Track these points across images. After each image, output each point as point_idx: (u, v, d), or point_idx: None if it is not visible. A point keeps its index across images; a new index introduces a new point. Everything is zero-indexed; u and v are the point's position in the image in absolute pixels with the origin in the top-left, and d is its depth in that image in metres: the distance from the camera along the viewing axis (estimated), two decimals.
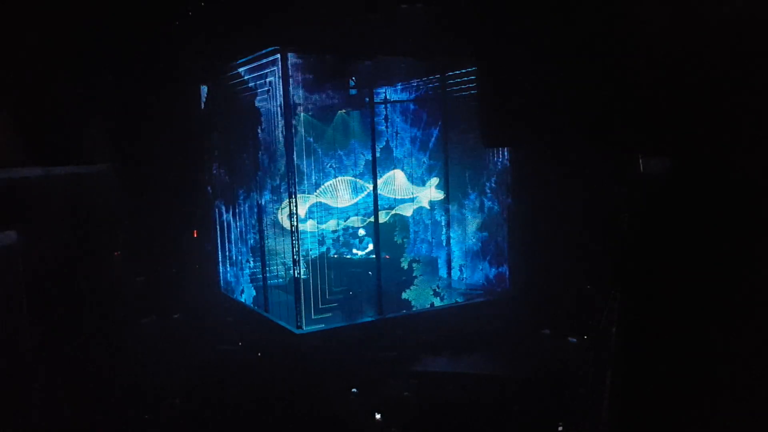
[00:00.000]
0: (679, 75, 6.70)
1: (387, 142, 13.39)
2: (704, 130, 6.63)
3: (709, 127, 6.53)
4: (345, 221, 13.60)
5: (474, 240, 13.25)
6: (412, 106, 13.44)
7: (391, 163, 13.63)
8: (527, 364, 10.14)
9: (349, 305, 11.87)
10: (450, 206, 12.89)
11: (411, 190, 13.72)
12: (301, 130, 12.05)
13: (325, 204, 13.30)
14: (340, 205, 13.42)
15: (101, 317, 12.38)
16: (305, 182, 12.30)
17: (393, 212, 13.59)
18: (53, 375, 9.84)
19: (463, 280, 13.34)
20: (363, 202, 13.60)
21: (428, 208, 13.70)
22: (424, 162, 13.72)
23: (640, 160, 7.38)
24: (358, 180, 13.36)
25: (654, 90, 7.36)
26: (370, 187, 13.09)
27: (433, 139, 13.52)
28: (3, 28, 11.76)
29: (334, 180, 13.33)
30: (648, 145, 7.42)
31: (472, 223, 13.25)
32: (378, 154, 12.45)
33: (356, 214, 13.72)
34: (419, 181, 13.80)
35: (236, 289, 14.15)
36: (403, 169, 13.73)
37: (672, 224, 7.49)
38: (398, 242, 13.40)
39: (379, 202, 12.59)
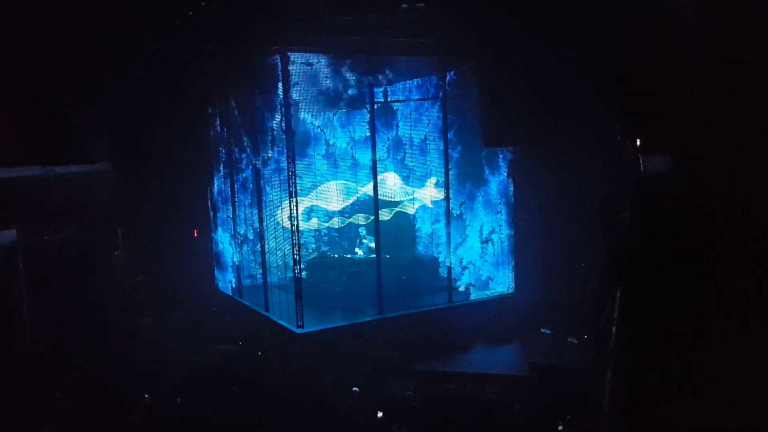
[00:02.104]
0: (679, 74, 6.72)
1: (386, 94, 13.00)
2: (704, 129, 6.65)
3: (709, 127, 6.55)
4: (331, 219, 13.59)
5: (475, 240, 13.22)
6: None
7: (393, 117, 13.20)
8: (527, 363, 10.14)
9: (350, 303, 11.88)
10: (450, 206, 12.84)
11: (406, 191, 13.59)
12: (301, 129, 12.06)
13: (319, 206, 13.34)
14: (333, 208, 13.38)
15: (102, 317, 12.38)
16: (302, 184, 12.29)
17: (396, 210, 13.55)
18: (53, 374, 9.84)
19: (464, 279, 13.31)
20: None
21: (430, 207, 13.68)
22: (430, 122, 13.19)
23: (641, 160, 7.40)
24: (352, 183, 13.33)
25: (654, 89, 7.38)
26: (362, 189, 13.05)
27: (438, 104, 13.00)
28: (3, 27, 11.76)
29: (327, 183, 13.32)
30: (648, 144, 7.43)
31: (473, 223, 13.22)
32: (379, 105, 12.23)
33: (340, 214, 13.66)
34: (424, 145, 13.44)
35: (234, 286, 14.17)
36: (398, 167, 13.64)
37: (672, 223, 7.50)
38: (425, 233, 13.57)
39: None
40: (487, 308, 12.48)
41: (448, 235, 12.75)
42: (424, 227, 14.04)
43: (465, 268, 13.23)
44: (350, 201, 13.52)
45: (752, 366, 6.87)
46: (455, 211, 13.23)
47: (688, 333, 7.55)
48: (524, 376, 9.92)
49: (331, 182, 13.53)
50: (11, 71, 12.30)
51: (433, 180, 13.46)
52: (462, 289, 13.00)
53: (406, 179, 13.82)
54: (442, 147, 12.83)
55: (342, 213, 13.92)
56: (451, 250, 12.94)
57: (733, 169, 6.78)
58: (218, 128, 14.24)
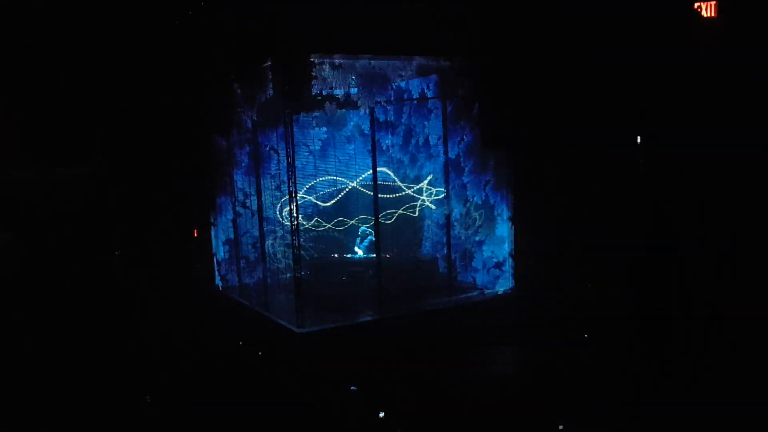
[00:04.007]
0: (675, 74, 6.74)
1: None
2: (699, 129, 6.68)
3: (705, 127, 6.57)
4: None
5: (475, 239, 13.21)
6: None
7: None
8: (527, 364, 10.14)
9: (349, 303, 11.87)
10: (451, 205, 12.81)
11: (401, 188, 13.41)
12: (300, 130, 12.07)
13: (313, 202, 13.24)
14: (324, 203, 13.26)
15: (101, 317, 12.40)
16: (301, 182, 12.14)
17: (399, 212, 13.49)
18: (53, 375, 9.85)
19: (464, 280, 13.31)
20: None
21: (431, 207, 13.64)
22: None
23: (640, 161, 7.44)
24: (346, 180, 13.22)
25: (650, 89, 7.41)
26: (351, 184, 12.95)
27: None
28: (4, 28, 11.78)
29: (319, 179, 13.24)
30: (647, 145, 7.47)
31: (473, 223, 13.19)
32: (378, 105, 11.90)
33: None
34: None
35: (234, 286, 14.18)
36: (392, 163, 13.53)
37: (671, 223, 7.54)
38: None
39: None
40: (487, 308, 12.47)
41: (448, 230, 12.72)
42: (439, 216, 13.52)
43: (501, 266, 12.74)
44: (341, 195, 13.34)
45: (752, 364, 6.90)
46: (477, 199, 12.58)
47: (687, 332, 7.58)
48: (524, 376, 9.92)
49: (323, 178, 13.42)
50: (12, 73, 12.33)
51: (429, 177, 13.35)
52: (500, 292, 12.67)
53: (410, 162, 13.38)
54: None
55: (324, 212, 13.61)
56: (480, 244, 12.52)
57: (731, 170, 6.80)
58: (219, 130, 14.22)
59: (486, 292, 12.87)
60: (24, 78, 12.78)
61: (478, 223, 12.76)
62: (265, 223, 12.78)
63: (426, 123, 13.10)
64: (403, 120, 13.59)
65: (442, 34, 11.24)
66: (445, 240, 13.06)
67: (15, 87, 12.71)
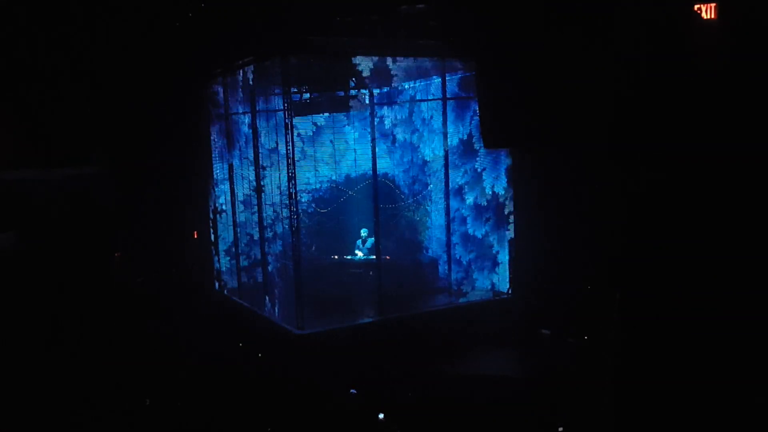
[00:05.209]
0: (677, 78, 6.71)
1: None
2: (699, 131, 6.67)
3: (705, 130, 6.56)
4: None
5: (474, 239, 13.19)
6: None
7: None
8: (527, 364, 10.13)
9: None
10: (450, 206, 12.81)
11: (400, 198, 13.21)
12: (300, 130, 12.05)
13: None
14: (321, 209, 13.18)
15: (101, 318, 12.41)
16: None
17: (401, 213, 13.44)
18: (52, 376, 9.86)
19: (463, 279, 13.31)
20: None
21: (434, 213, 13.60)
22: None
23: (638, 161, 7.39)
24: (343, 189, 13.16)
25: (652, 92, 7.39)
26: (350, 192, 12.92)
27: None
28: (4, 28, 11.78)
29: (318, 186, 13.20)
30: (646, 148, 7.44)
31: (472, 223, 13.17)
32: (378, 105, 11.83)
33: None
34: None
35: (233, 287, 14.18)
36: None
37: (669, 225, 7.53)
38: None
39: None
40: (486, 308, 12.47)
41: (448, 230, 12.68)
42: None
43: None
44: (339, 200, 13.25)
45: (751, 364, 6.88)
46: (498, 188, 11.93)
47: (687, 333, 7.57)
48: (524, 377, 9.92)
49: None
50: (11, 73, 12.33)
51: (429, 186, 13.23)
52: (503, 292, 12.48)
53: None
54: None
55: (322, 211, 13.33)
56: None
57: (728, 172, 6.79)
58: (218, 129, 14.23)
59: (487, 292, 12.85)
60: (24, 77, 12.79)
61: (505, 212, 12.32)
62: (264, 224, 12.77)
63: (432, 95, 12.48)
64: (405, 86, 12.85)
65: (443, 35, 11.24)
66: (452, 240, 12.92)
67: (15, 86, 12.71)
